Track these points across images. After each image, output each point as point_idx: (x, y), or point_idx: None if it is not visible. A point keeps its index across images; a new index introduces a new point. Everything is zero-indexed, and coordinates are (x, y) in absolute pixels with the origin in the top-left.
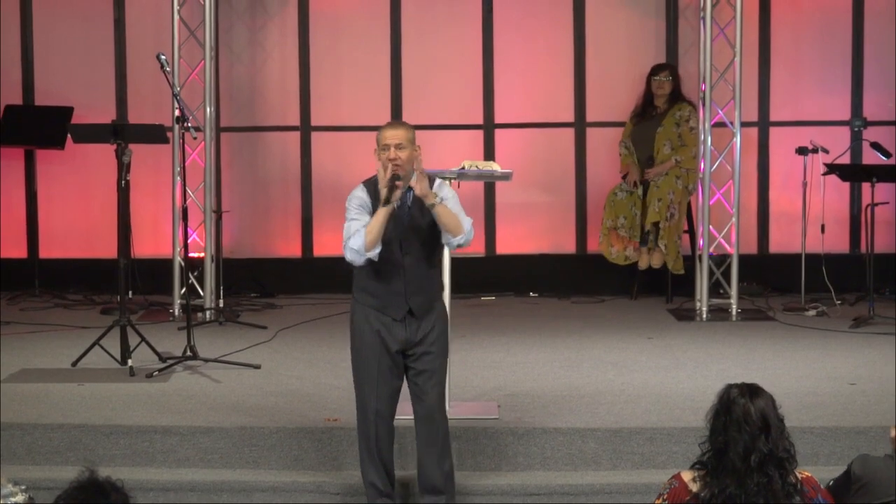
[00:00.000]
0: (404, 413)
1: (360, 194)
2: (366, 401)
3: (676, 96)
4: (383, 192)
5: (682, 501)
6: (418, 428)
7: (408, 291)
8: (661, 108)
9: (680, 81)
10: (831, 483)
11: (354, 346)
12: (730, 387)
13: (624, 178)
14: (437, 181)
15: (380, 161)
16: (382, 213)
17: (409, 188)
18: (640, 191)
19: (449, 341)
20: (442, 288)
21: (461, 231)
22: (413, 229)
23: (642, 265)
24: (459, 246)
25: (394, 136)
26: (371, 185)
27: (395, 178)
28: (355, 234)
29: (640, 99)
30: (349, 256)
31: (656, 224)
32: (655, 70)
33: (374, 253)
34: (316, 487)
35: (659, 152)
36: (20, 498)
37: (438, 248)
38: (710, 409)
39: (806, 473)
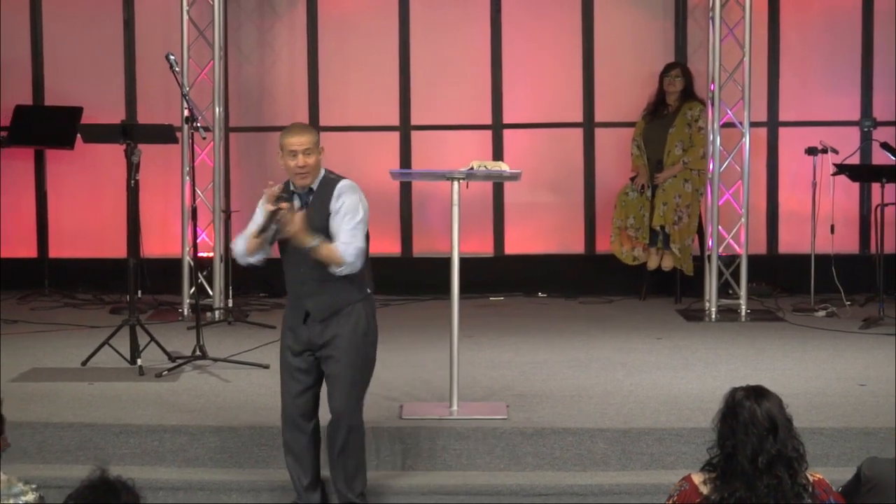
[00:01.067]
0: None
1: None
2: (281, 399)
3: (688, 94)
4: (268, 208)
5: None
6: (328, 428)
7: (304, 293)
8: (672, 106)
9: (692, 79)
10: (840, 489)
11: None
12: (735, 390)
13: (632, 179)
14: (342, 184)
15: (284, 167)
16: (254, 224)
17: (311, 189)
18: (648, 192)
19: (371, 351)
20: (357, 291)
21: (340, 264)
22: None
23: (651, 266)
24: (341, 273)
25: (300, 141)
26: (286, 186)
27: (275, 212)
28: (240, 237)
29: (653, 97)
30: (233, 254)
31: (663, 227)
32: (667, 68)
33: (256, 258)
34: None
35: (670, 153)
36: (31, 497)
37: None
38: (717, 414)
39: (818, 476)
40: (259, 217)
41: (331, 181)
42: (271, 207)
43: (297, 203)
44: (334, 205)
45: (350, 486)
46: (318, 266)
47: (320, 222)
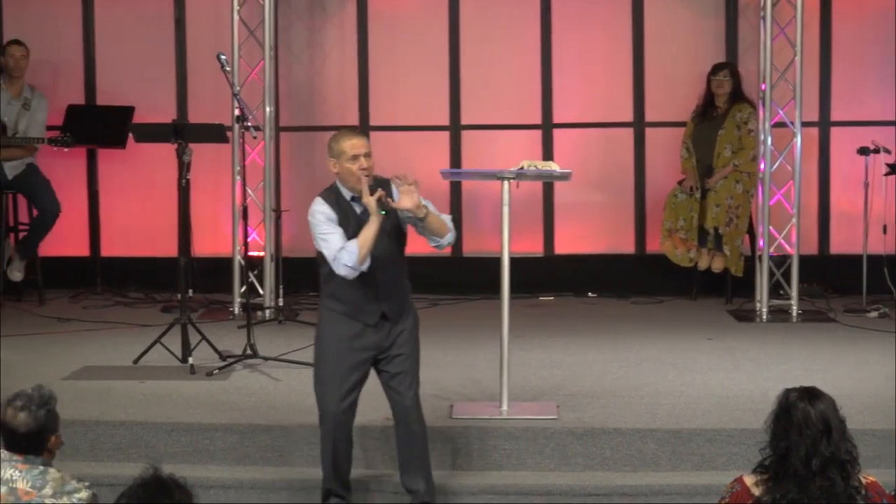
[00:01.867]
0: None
1: (323, 209)
2: (328, 407)
3: (737, 95)
4: (371, 203)
5: None
6: (397, 431)
7: (380, 296)
8: (721, 107)
9: (740, 80)
10: (893, 492)
11: (321, 353)
12: (788, 391)
13: (680, 183)
14: (395, 184)
15: (347, 171)
16: (375, 224)
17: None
18: (697, 194)
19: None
20: (411, 288)
21: (448, 229)
22: (380, 234)
23: (702, 266)
24: (449, 244)
25: (362, 143)
26: (331, 196)
27: (376, 189)
28: (344, 251)
29: (701, 99)
30: (343, 273)
31: (716, 229)
32: (715, 69)
33: (367, 265)
34: (377, 486)
35: (720, 155)
36: (84, 494)
37: (404, 249)
38: (770, 415)
39: (871, 478)
40: (336, 233)
41: (384, 181)
42: (374, 200)
43: (357, 208)
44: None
45: (428, 486)
46: (395, 267)
47: (387, 223)
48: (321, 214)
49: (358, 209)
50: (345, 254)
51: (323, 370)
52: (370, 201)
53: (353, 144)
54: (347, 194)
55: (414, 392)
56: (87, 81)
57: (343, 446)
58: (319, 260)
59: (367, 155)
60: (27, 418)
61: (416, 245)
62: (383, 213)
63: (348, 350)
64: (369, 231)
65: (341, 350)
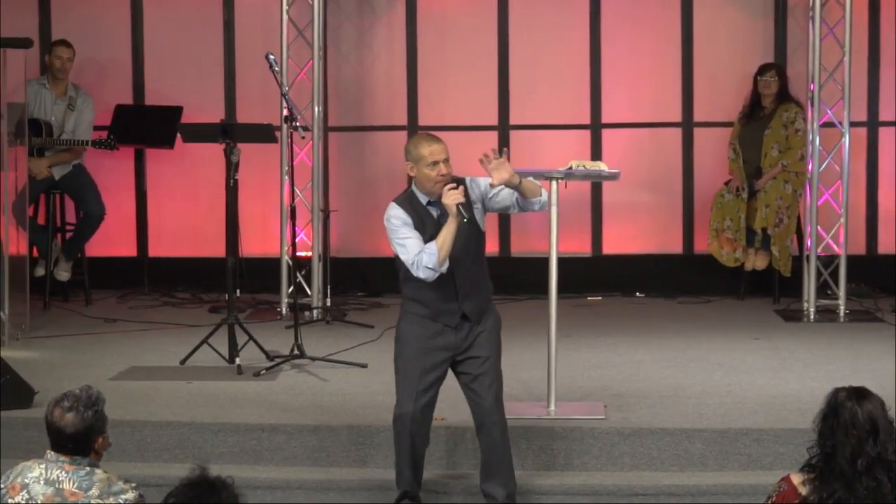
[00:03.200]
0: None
1: (399, 213)
2: (405, 405)
3: (783, 96)
4: (452, 207)
5: None
6: (477, 433)
7: (460, 297)
8: (767, 108)
9: (787, 81)
10: None
11: (400, 353)
12: (837, 390)
13: (726, 183)
14: (468, 178)
15: (425, 176)
16: (454, 224)
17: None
18: (744, 194)
19: (502, 341)
20: (492, 288)
21: (539, 191)
22: (458, 234)
23: (748, 266)
24: (546, 201)
25: (441, 149)
26: (406, 202)
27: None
28: (424, 253)
29: (748, 100)
30: (424, 275)
31: (764, 230)
32: (762, 70)
33: (447, 266)
34: (423, 486)
35: (767, 155)
36: (131, 495)
37: (483, 248)
38: (818, 414)
39: None
40: (413, 237)
41: (458, 180)
42: (453, 203)
43: (434, 212)
44: (485, 191)
45: (509, 489)
46: (474, 267)
47: (465, 222)
48: (397, 219)
49: (434, 213)
50: (424, 256)
51: (401, 370)
52: (450, 203)
53: (432, 151)
54: (423, 199)
55: (494, 394)
56: (135, 81)
57: (421, 445)
58: (398, 264)
59: (447, 161)
60: (75, 419)
61: None
62: (465, 219)
63: (426, 350)
64: (448, 231)
65: (419, 350)
